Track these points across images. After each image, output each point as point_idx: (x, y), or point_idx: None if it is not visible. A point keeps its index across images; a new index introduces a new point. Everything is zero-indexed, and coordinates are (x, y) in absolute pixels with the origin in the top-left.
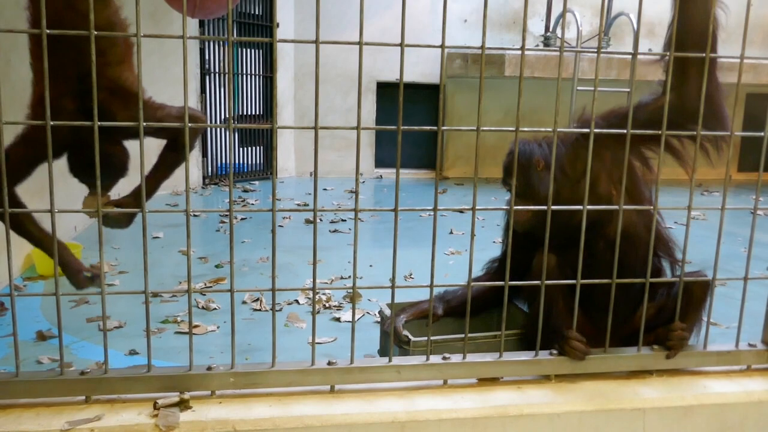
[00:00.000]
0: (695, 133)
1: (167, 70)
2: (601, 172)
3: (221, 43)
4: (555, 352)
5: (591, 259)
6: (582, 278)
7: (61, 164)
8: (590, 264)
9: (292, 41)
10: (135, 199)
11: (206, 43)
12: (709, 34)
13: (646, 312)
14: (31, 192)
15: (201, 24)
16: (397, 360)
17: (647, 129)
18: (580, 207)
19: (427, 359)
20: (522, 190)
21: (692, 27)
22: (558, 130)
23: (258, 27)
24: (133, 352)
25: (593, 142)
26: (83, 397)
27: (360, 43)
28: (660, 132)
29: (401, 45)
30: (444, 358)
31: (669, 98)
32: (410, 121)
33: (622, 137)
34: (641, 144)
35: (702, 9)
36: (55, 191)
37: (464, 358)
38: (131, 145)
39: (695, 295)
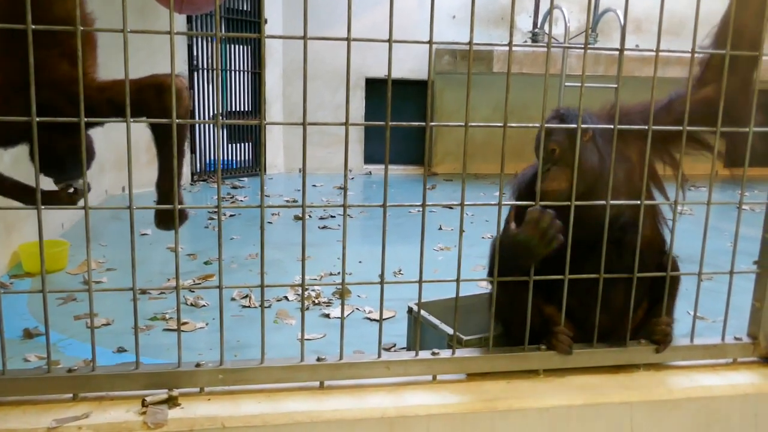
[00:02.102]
0: (714, 129)
1: (154, 66)
2: (635, 167)
3: (209, 39)
4: (543, 347)
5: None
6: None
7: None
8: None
9: (280, 37)
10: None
11: (194, 39)
12: (762, 30)
13: (642, 308)
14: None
15: (188, 20)
16: (386, 356)
17: (682, 125)
18: (603, 202)
19: (416, 354)
20: (562, 156)
21: (746, 23)
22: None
23: (246, 23)
24: (121, 350)
25: (626, 133)
26: (71, 395)
27: (348, 39)
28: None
29: (389, 41)
30: (433, 354)
31: (705, 92)
32: (399, 118)
33: (654, 134)
34: (670, 143)
35: (757, 7)
36: (40, 189)
37: (453, 353)
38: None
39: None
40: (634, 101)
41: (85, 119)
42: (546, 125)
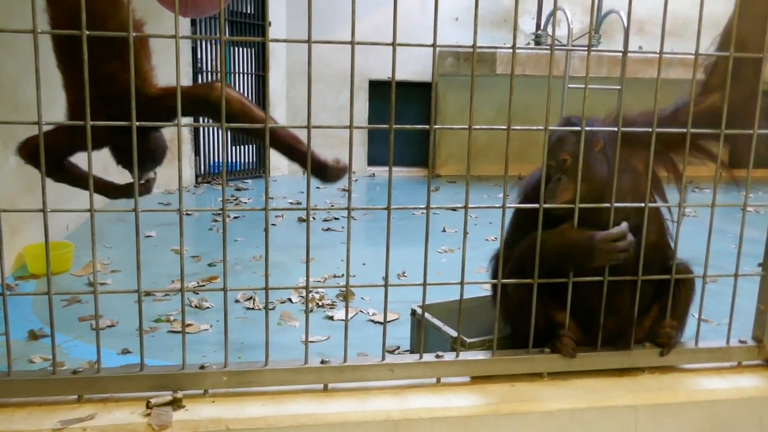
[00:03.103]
0: (718, 131)
1: (159, 70)
2: (641, 176)
3: (213, 42)
4: (548, 350)
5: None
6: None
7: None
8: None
9: (285, 41)
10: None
11: (198, 42)
12: (765, 34)
13: (650, 314)
14: (22, 190)
15: (193, 23)
16: (390, 358)
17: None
18: (607, 204)
19: (420, 357)
20: (573, 166)
21: (753, 27)
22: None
23: (250, 26)
24: (125, 351)
25: (633, 143)
26: (75, 396)
27: (352, 43)
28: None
29: (393, 44)
30: (437, 357)
31: (711, 100)
32: (402, 120)
33: (658, 142)
34: (674, 150)
35: (758, 14)
36: (47, 191)
37: (457, 356)
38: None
39: (683, 292)
40: (640, 109)
41: (139, 123)
42: (558, 132)
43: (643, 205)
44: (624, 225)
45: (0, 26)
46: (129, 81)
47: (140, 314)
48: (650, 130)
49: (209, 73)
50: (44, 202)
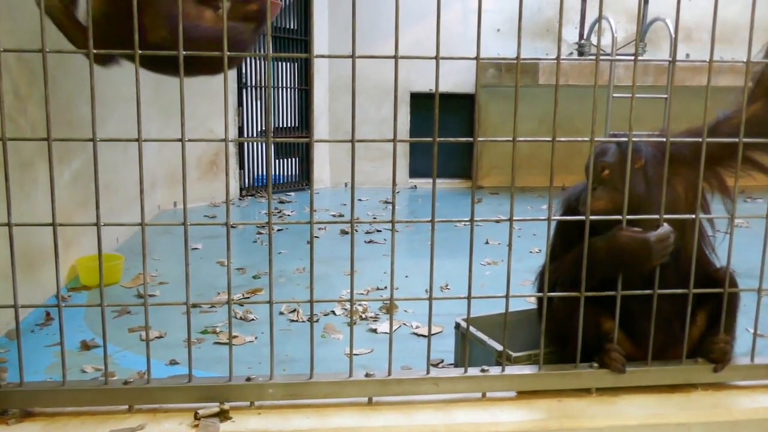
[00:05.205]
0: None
1: (206, 85)
2: (679, 197)
3: (258, 57)
4: (596, 365)
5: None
6: (640, 305)
7: (105, 179)
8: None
9: (329, 56)
10: None
11: (243, 58)
12: None
13: (697, 325)
14: (76, 204)
15: None
16: (435, 372)
17: (729, 145)
18: (656, 216)
19: (465, 371)
20: (610, 178)
21: None
22: (595, 139)
23: (294, 41)
24: (173, 362)
25: (674, 162)
26: (126, 407)
27: (395, 57)
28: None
29: (436, 58)
30: (482, 371)
31: (753, 109)
32: (444, 131)
33: (698, 162)
34: (719, 164)
35: None
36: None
37: (503, 370)
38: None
39: (730, 303)
40: (682, 128)
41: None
42: (601, 143)
43: (690, 216)
44: (667, 226)
45: (57, 47)
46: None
47: (188, 327)
48: (692, 152)
49: (254, 88)
50: (98, 216)
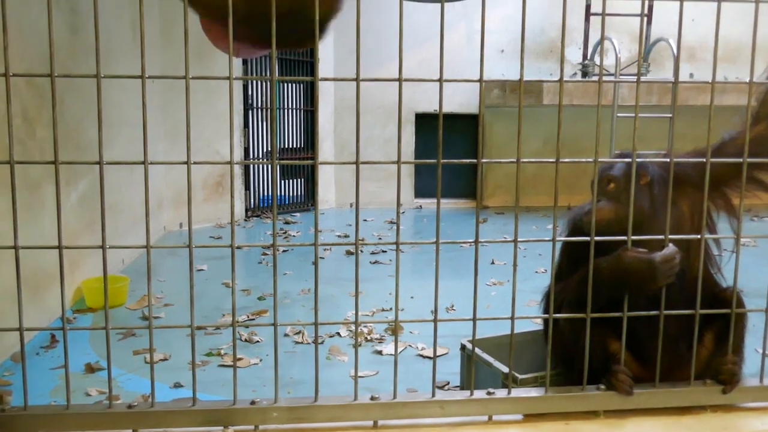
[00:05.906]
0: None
1: (212, 107)
2: (684, 216)
3: (264, 80)
4: (603, 386)
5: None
6: (646, 325)
7: (111, 200)
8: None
9: (334, 79)
10: None
11: (249, 80)
12: None
13: (704, 346)
14: (82, 226)
15: (244, 62)
16: (441, 395)
17: (734, 165)
18: (661, 236)
19: (471, 394)
20: (616, 193)
21: None
22: (600, 160)
23: (299, 63)
24: (177, 385)
25: (680, 182)
26: (130, 431)
27: (400, 80)
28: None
29: (440, 80)
30: (488, 393)
31: (758, 129)
32: (449, 151)
33: (703, 183)
34: (725, 184)
35: None
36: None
37: (509, 393)
38: None
39: (737, 323)
40: (688, 148)
41: None
42: (606, 161)
43: (696, 237)
44: (672, 246)
45: (65, 71)
46: None
47: (193, 350)
48: (697, 173)
49: (260, 110)
50: (103, 238)
